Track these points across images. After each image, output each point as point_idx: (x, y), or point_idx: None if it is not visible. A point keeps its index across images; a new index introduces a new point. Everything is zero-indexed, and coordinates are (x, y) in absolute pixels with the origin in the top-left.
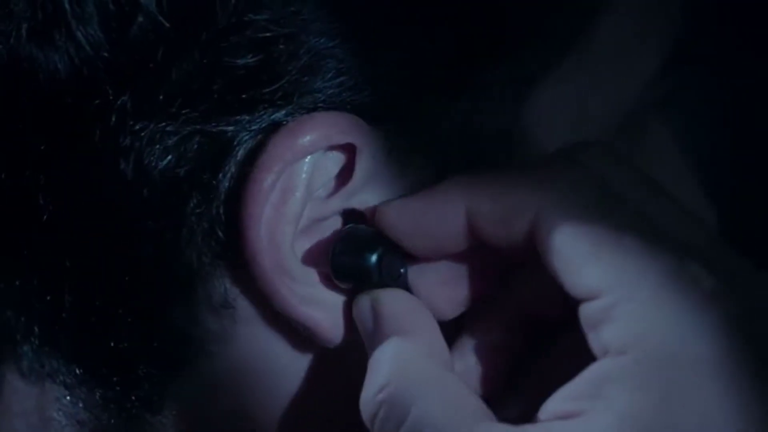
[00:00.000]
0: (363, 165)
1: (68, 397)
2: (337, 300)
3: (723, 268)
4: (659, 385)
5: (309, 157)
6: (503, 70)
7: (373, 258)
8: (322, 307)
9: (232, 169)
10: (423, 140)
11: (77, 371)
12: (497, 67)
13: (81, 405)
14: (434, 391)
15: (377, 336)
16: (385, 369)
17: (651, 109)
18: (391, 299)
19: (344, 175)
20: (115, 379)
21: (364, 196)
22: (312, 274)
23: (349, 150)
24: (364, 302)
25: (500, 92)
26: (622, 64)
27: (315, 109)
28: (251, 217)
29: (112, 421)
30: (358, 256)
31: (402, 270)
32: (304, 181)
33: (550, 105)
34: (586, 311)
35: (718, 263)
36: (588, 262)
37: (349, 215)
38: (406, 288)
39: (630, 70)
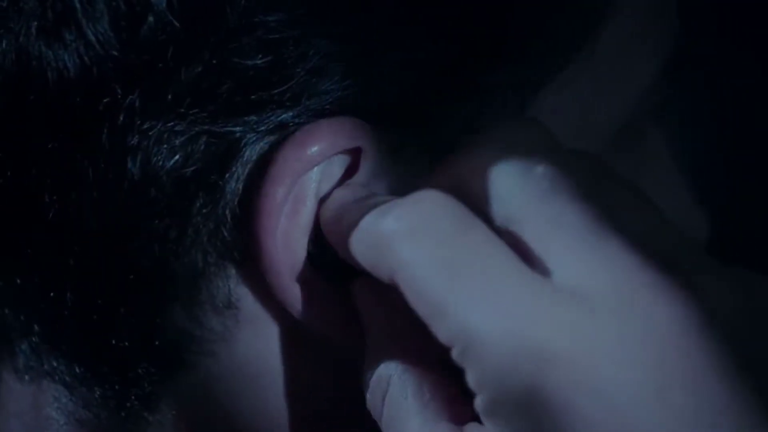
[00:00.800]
0: (367, 166)
1: (67, 396)
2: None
3: (656, 284)
4: (513, 428)
5: (317, 166)
6: (507, 73)
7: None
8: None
9: (239, 170)
10: (428, 142)
11: (77, 369)
12: (501, 70)
13: (80, 404)
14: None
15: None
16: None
17: (650, 111)
18: (359, 291)
19: (348, 175)
20: (115, 377)
21: None
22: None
23: (355, 151)
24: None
25: (504, 96)
26: (624, 67)
27: (322, 111)
28: (266, 229)
29: (112, 420)
30: (322, 245)
31: None
32: (314, 189)
33: (553, 109)
34: (452, 356)
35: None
36: (435, 315)
37: None
38: None
39: (632, 72)
